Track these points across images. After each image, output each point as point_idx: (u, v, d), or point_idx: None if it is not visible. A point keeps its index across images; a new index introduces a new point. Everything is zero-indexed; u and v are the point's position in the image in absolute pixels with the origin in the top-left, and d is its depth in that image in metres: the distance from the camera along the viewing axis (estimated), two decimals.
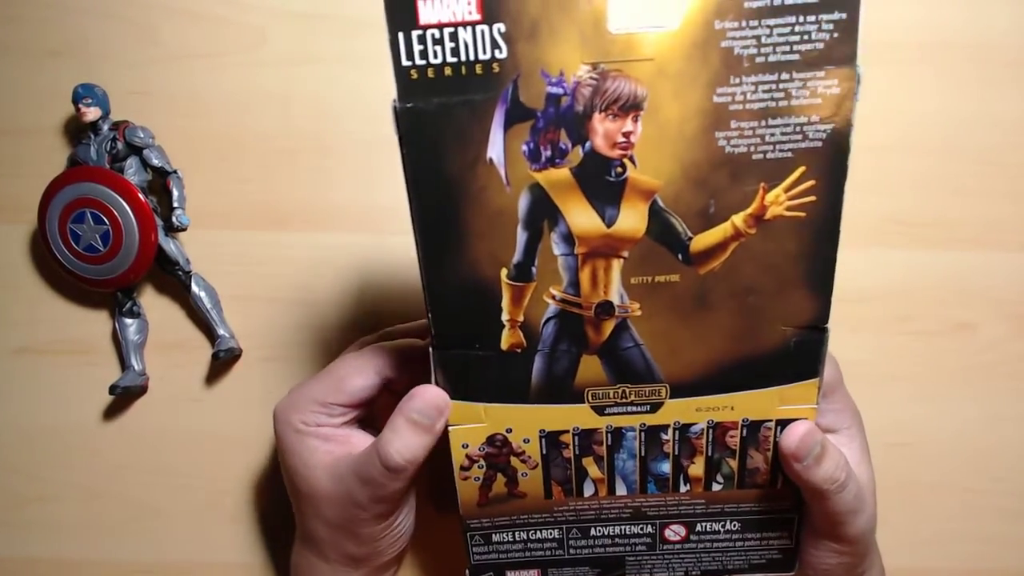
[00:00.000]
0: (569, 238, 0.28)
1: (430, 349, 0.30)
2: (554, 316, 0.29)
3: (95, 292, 0.43)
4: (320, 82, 0.42)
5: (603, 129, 0.27)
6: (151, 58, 0.42)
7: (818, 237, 0.29)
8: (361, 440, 0.34)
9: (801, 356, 0.30)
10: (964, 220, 0.44)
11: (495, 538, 0.34)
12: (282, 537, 0.45)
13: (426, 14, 0.25)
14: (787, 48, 0.26)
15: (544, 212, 0.28)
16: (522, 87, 0.26)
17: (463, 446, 0.32)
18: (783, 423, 0.31)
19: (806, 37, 0.26)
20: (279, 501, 0.45)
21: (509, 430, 0.31)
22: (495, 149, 0.27)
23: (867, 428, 0.36)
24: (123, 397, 0.44)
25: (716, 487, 0.33)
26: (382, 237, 0.43)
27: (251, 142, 0.43)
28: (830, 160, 0.27)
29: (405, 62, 0.26)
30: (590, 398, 0.31)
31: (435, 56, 0.26)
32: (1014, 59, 0.43)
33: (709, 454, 0.32)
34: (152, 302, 0.44)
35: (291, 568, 0.38)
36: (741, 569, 0.35)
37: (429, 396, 0.31)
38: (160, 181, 0.42)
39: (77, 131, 0.42)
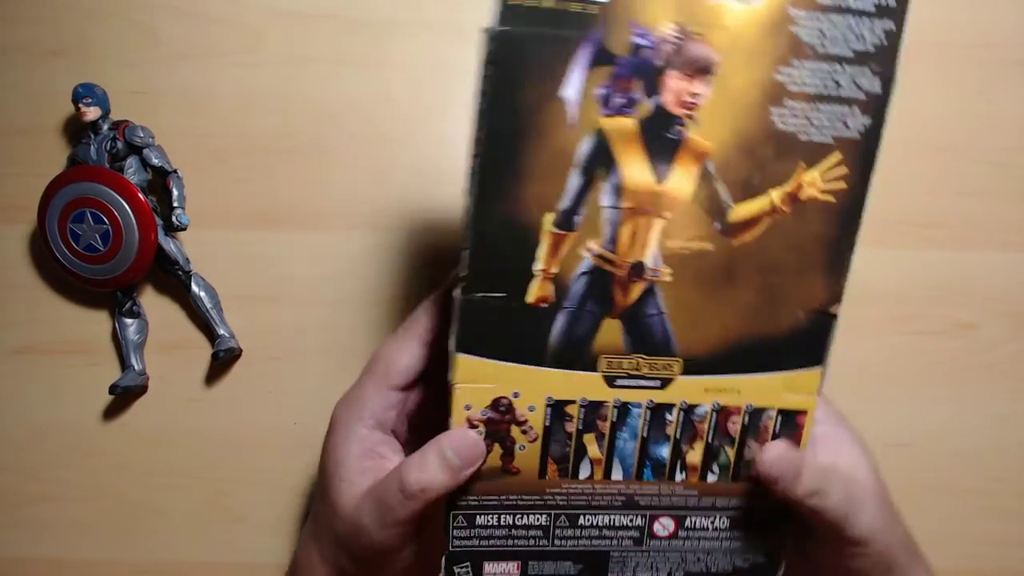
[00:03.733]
0: (619, 191, 0.30)
1: (455, 294, 0.30)
2: (586, 272, 0.30)
3: (95, 292, 0.43)
4: (319, 82, 0.42)
5: (674, 86, 0.29)
6: (151, 58, 0.42)
7: (843, 223, 0.31)
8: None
9: (810, 341, 0.32)
10: (964, 220, 0.44)
11: (479, 521, 0.33)
12: (282, 537, 0.45)
13: None
14: (844, 43, 0.29)
15: (601, 160, 0.29)
16: (611, 33, 0.28)
17: (466, 407, 0.31)
18: (785, 413, 0.33)
19: (860, 37, 0.29)
20: (279, 501, 0.45)
21: (516, 394, 0.31)
22: (572, 87, 0.28)
23: (867, 428, 0.36)
24: (123, 397, 0.44)
25: (711, 477, 0.33)
26: (382, 236, 0.43)
27: (251, 142, 0.43)
28: (863, 152, 0.30)
29: None
30: (604, 366, 0.31)
31: None
32: (1017, 59, 0.43)
33: (709, 440, 0.33)
34: (152, 302, 0.44)
35: (294, 554, 0.38)
36: (724, 572, 0.35)
37: (469, 441, 0.31)
38: (160, 181, 0.42)
39: (77, 131, 0.42)
